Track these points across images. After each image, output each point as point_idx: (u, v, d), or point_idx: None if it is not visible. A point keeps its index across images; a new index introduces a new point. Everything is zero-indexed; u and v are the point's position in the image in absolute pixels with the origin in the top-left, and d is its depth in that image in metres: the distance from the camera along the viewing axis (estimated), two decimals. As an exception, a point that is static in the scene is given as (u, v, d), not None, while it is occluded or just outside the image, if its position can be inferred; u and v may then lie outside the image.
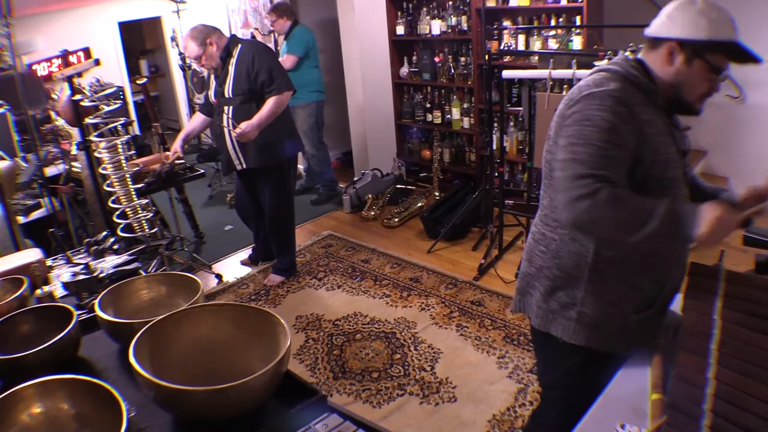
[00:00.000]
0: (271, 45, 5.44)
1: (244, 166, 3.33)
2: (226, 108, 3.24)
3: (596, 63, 2.84)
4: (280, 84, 3.18)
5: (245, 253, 4.09)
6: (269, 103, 3.17)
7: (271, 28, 4.81)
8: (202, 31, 3.22)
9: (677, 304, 1.50)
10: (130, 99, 6.54)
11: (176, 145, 3.56)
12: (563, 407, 1.58)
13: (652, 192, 1.33)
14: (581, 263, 1.42)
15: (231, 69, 3.22)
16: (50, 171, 3.74)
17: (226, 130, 3.24)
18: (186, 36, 3.25)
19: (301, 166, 5.42)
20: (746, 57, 1.32)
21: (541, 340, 1.57)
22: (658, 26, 1.36)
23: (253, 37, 5.19)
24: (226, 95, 3.24)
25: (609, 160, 1.25)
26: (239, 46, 3.24)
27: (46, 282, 1.87)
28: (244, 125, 3.14)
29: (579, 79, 2.86)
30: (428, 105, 4.96)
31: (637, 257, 1.38)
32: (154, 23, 7.16)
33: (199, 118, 3.59)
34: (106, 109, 2.90)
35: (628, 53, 1.48)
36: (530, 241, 1.57)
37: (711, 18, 1.29)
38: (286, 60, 4.57)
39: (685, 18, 1.31)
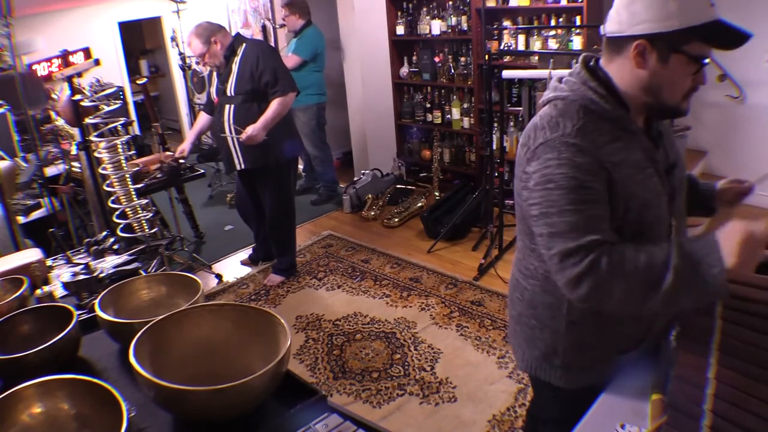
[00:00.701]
0: (271, 40, 5.45)
1: (243, 166, 3.33)
2: (227, 106, 3.24)
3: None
4: (284, 85, 3.17)
5: (245, 253, 4.09)
6: (274, 105, 3.17)
7: (283, 22, 4.78)
8: (207, 28, 3.21)
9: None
10: (130, 99, 6.55)
11: (185, 144, 3.57)
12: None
13: (631, 236, 1.19)
14: (556, 314, 1.32)
15: (234, 68, 3.21)
16: (50, 171, 3.75)
17: (228, 132, 3.24)
18: (191, 33, 3.24)
19: (300, 166, 5.43)
20: (732, 36, 1.09)
21: (536, 383, 1.50)
22: (618, 24, 1.14)
23: (264, 28, 5.18)
24: (228, 94, 3.23)
25: (589, 221, 1.10)
26: (244, 45, 3.23)
27: (46, 282, 1.87)
28: (249, 129, 3.14)
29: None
30: (428, 105, 4.96)
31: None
32: (154, 23, 7.16)
33: (203, 117, 3.59)
34: (106, 109, 2.90)
35: (580, 67, 1.21)
36: (510, 285, 1.47)
37: (681, 2, 1.06)
38: (290, 60, 4.56)
39: (649, 8, 1.08)
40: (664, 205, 1.23)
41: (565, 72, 1.36)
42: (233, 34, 3.34)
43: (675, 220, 1.28)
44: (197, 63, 6.46)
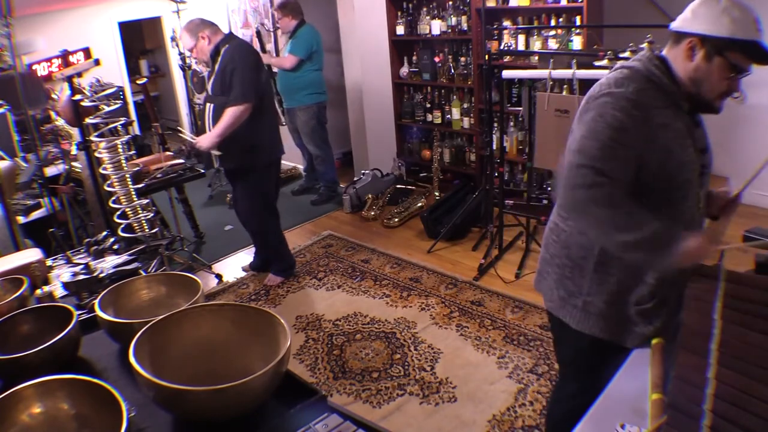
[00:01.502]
0: (271, 42, 5.45)
1: (217, 164, 3.39)
2: (208, 105, 3.26)
3: (596, 63, 2.84)
4: (237, 95, 3.09)
5: (245, 253, 4.10)
6: (225, 115, 3.11)
7: (278, 25, 4.79)
8: (197, 24, 3.22)
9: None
10: (130, 99, 6.54)
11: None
12: (575, 387, 1.66)
13: (660, 193, 1.38)
14: (588, 255, 1.48)
15: (216, 68, 3.21)
16: (50, 171, 3.75)
17: (208, 126, 3.27)
18: (183, 27, 3.27)
19: (300, 166, 5.43)
20: (765, 56, 1.31)
21: (554, 321, 1.65)
22: (682, 21, 1.37)
23: (259, 33, 5.18)
24: (210, 93, 3.26)
25: (613, 157, 1.29)
26: (227, 45, 3.20)
27: (46, 282, 1.87)
28: (200, 138, 3.21)
29: (579, 80, 2.89)
30: (428, 105, 4.96)
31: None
32: (154, 23, 7.16)
33: None
34: (106, 109, 2.90)
35: (647, 50, 1.45)
36: (546, 229, 1.64)
37: (734, 16, 1.29)
38: (287, 60, 4.56)
39: (708, 14, 1.31)
40: (696, 174, 1.42)
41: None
42: (227, 32, 3.32)
43: (702, 191, 1.49)
44: (196, 63, 6.47)
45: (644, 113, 1.31)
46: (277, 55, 5.29)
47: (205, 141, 3.18)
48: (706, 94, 1.37)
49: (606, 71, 2.74)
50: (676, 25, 1.39)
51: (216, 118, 3.19)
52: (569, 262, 1.53)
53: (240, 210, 3.54)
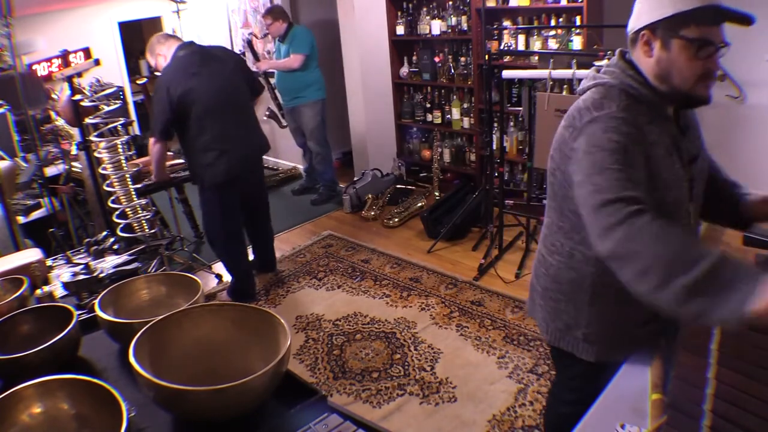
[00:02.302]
0: (269, 47, 5.45)
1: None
2: None
3: (596, 63, 2.84)
4: (152, 129, 3.09)
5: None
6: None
7: (266, 32, 4.82)
8: (153, 43, 3.18)
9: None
10: (130, 99, 6.54)
11: None
12: (577, 396, 1.58)
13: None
14: (579, 290, 1.40)
15: None
16: (50, 171, 3.75)
17: None
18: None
19: (300, 166, 5.43)
20: (730, 16, 1.17)
21: (554, 351, 1.59)
22: (632, 21, 1.28)
23: (250, 43, 5.20)
24: None
25: (629, 179, 1.14)
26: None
27: (46, 282, 1.87)
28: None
29: (579, 79, 2.89)
30: (428, 105, 4.96)
31: None
32: (154, 23, 7.15)
33: None
34: (106, 109, 2.91)
35: (617, 59, 1.33)
36: (535, 260, 1.57)
37: None
38: (294, 60, 4.57)
39: (649, 2, 1.22)
40: (684, 190, 1.31)
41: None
42: (181, 43, 3.16)
43: (693, 206, 1.36)
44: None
45: (637, 129, 1.21)
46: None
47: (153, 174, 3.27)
48: (681, 85, 1.23)
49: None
50: (629, 27, 1.29)
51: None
52: (562, 296, 1.45)
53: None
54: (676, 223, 1.29)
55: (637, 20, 1.25)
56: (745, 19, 1.17)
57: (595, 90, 1.30)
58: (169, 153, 3.64)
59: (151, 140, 3.14)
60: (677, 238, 1.07)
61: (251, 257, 3.85)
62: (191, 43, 3.20)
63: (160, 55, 3.14)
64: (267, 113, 5.11)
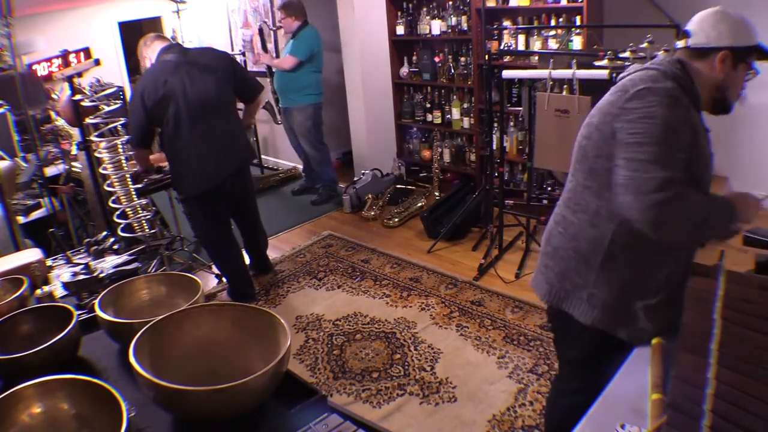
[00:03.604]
0: (271, 42, 5.45)
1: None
2: None
3: (596, 63, 2.84)
4: (131, 139, 3.06)
5: (244, 253, 4.09)
6: None
7: (280, 24, 4.79)
8: (143, 43, 3.14)
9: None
10: (130, 99, 6.54)
11: None
12: (580, 384, 1.66)
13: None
14: (597, 248, 1.49)
15: None
16: (50, 171, 3.75)
17: None
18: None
19: (300, 166, 5.43)
20: (766, 56, 1.49)
21: (556, 319, 1.66)
22: (706, 38, 1.46)
23: (261, 31, 5.18)
24: None
25: (675, 160, 1.32)
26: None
27: (46, 282, 1.87)
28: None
29: (579, 80, 2.89)
30: (428, 105, 4.96)
31: (650, 244, 1.42)
32: (154, 23, 7.15)
33: None
34: (106, 109, 2.91)
35: (668, 57, 1.52)
36: (550, 223, 1.65)
37: (747, 26, 1.47)
38: (286, 61, 4.56)
39: (730, 29, 1.44)
40: (710, 173, 1.50)
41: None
42: (164, 46, 3.10)
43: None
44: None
45: (685, 110, 1.37)
46: (278, 54, 5.29)
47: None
48: (731, 96, 1.50)
49: (605, 71, 2.77)
50: (699, 42, 1.47)
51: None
52: (575, 254, 1.54)
53: None
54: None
55: (717, 39, 1.44)
56: None
57: (646, 71, 1.44)
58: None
59: (133, 151, 3.10)
60: (697, 201, 1.33)
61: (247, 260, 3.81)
62: (176, 46, 3.12)
63: (146, 58, 3.10)
64: (264, 105, 5.11)
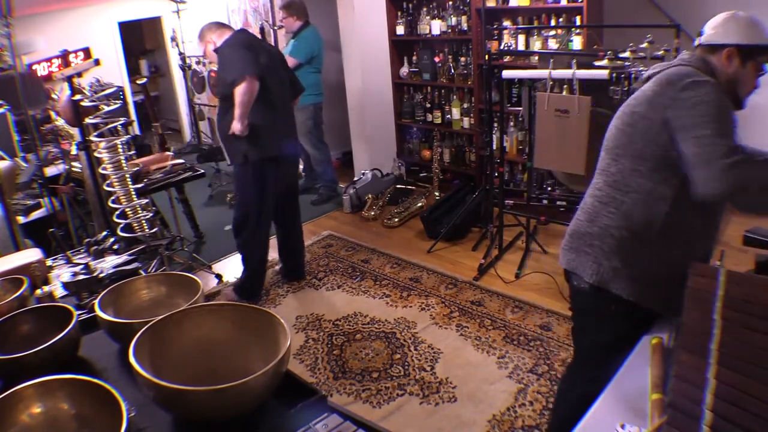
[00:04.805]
0: (271, 41, 5.45)
1: (229, 162, 3.29)
2: (218, 106, 3.22)
3: (596, 63, 2.84)
4: (234, 74, 2.95)
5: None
6: (235, 96, 2.97)
7: (281, 24, 4.79)
8: (205, 30, 3.19)
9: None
10: (130, 99, 6.55)
11: None
12: (600, 371, 1.62)
13: None
14: (650, 226, 1.55)
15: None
16: (50, 171, 3.74)
17: (216, 127, 3.22)
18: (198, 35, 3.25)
19: (300, 166, 5.42)
20: None
21: (593, 300, 1.68)
22: (714, 36, 1.59)
23: (262, 30, 5.17)
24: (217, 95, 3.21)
25: (734, 133, 1.44)
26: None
27: (46, 282, 1.87)
28: (233, 125, 3.03)
29: (579, 80, 2.89)
30: (428, 105, 4.96)
31: (698, 223, 1.55)
32: (154, 23, 7.16)
33: None
34: (106, 109, 2.90)
35: (689, 52, 1.66)
36: (594, 203, 1.69)
37: (758, 27, 1.56)
38: (286, 61, 4.56)
39: (738, 28, 1.56)
40: None
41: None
42: (234, 30, 3.21)
43: None
44: (197, 63, 6.47)
45: (726, 99, 1.48)
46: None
47: (234, 127, 3.01)
48: (742, 93, 1.60)
49: (605, 71, 2.76)
50: (708, 39, 1.60)
51: (219, 118, 3.14)
52: (628, 233, 1.58)
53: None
54: None
55: (724, 36, 1.56)
56: None
57: (681, 67, 1.55)
58: (169, 153, 3.64)
59: (237, 88, 2.93)
60: (761, 165, 1.45)
61: (279, 265, 3.77)
62: (246, 31, 3.28)
63: (210, 42, 3.15)
64: None
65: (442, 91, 4.88)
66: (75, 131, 3.69)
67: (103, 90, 3.15)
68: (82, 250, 2.11)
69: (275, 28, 5.33)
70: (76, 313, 1.31)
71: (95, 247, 2.04)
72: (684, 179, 1.49)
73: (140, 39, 8.33)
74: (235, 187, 3.36)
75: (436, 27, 4.62)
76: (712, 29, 1.61)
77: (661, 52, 2.67)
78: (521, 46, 4.13)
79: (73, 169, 3.69)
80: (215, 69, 3.40)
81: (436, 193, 4.73)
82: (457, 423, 2.38)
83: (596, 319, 1.73)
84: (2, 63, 4.47)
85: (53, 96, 4.55)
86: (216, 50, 3.15)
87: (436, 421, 2.41)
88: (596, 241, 1.65)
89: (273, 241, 4.22)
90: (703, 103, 1.44)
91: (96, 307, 1.34)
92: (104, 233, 2.19)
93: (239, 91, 2.96)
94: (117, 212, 2.92)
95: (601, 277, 1.62)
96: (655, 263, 1.57)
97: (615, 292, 1.60)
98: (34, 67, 5.24)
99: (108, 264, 1.85)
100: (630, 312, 1.60)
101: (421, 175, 5.22)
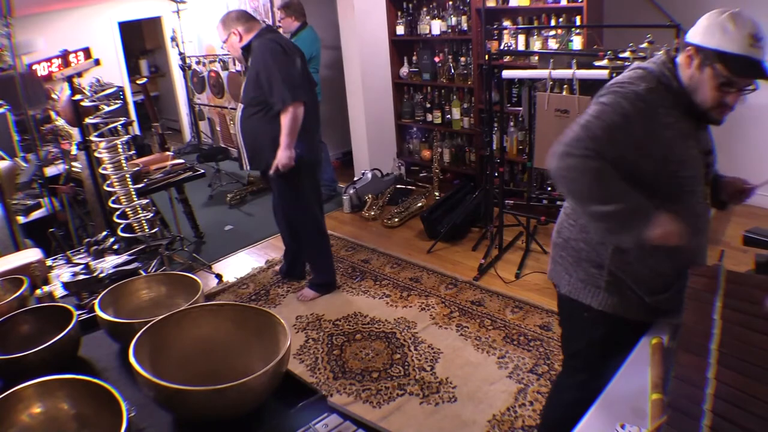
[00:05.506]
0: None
1: (248, 167, 3.18)
2: (240, 106, 3.10)
3: (596, 63, 2.84)
4: (284, 98, 2.87)
5: (245, 253, 4.10)
6: (283, 124, 2.91)
7: (279, 24, 4.80)
8: (232, 18, 3.04)
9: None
10: (130, 99, 6.55)
11: None
12: (584, 377, 1.67)
13: (668, 188, 1.44)
14: (606, 241, 1.52)
15: (249, 68, 3.00)
16: (50, 171, 3.75)
17: (238, 129, 3.11)
18: (220, 18, 3.12)
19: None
20: (758, 74, 1.35)
21: (568, 309, 1.68)
22: (690, 31, 1.45)
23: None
24: (242, 93, 3.06)
25: (612, 140, 1.37)
26: (256, 42, 2.96)
27: (46, 282, 1.87)
28: (277, 158, 2.96)
29: (579, 80, 2.89)
30: (428, 105, 4.96)
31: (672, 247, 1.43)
32: (154, 23, 7.17)
33: None
34: (106, 109, 2.90)
35: (663, 54, 1.52)
36: (561, 215, 1.70)
37: (726, 30, 1.35)
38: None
39: (705, 26, 1.39)
40: (701, 171, 1.49)
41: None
42: (263, 26, 3.08)
43: (707, 188, 1.55)
44: (197, 63, 6.47)
45: (650, 109, 1.39)
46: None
47: (281, 159, 2.95)
48: (701, 103, 1.43)
49: (605, 71, 2.77)
50: (687, 35, 1.48)
51: (244, 120, 3.04)
52: (587, 246, 1.57)
53: (286, 219, 3.37)
54: (693, 201, 1.49)
55: (692, 34, 1.42)
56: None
57: (635, 71, 1.48)
58: (169, 153, 3.64)
59: (286, 114, 2.88)
60: (609, 183, 1.37)
61: (281, 265, 3.77)
62: (274, 30, 3.18)
63: (235, 34, 3.00)
64: None
65: (442, 91, 4.88)
66: (75, 131, 3.69)
67: (103, 90, 3.15)
68: (82, 250, 2.11)
69: (274, 28, 5.33)
70: (76, 313, 1.31)
71: (95, 247, 2.04)
72: (652, 198, 1.42)
73: (140, 39, 8.34)
74: (278, 192, 3.25)
75: (436, 27, 4.62)
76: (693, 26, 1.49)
77: (660, 52, 2.67)
78: (521, 46, 4.13)
79: (73, 169, 3.70)
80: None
81: (436, 193, 4.73)
82: (457, 423, 2.38)
83: (572, 327, 1.75)
84: (2, 63, 4.47)
85: (53, 96, 4.55)
86: (246, 47, 3.01)
87: (436, 421, 2.40)
88: (563, 252, 1.65)
89: (273, 241, 4.24)
90: (606, 104, 1.40)
91: (96, 307, 1.34)
92: (104, 233, 2.19)
93: (288, 117, 2.88)
94: (117, 212, 2.92)
95: (572, 287, 1.63)
96: (613, 277, 1.54)
97: (584, 302, 1.60)
98: (34, 67, 5.24)
99: (108, 264, 1.85)
100: (603, 319, 1.58)
101: (421, 175, 5.22)
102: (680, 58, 1.45)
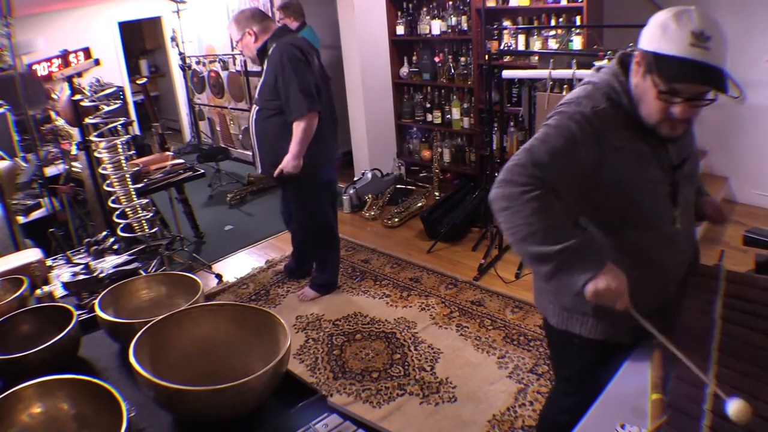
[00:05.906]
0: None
1: (260, 170, 3.15)
2: (254, 107, 3.06)
3: (596, 63, 2.84)
4: (300, 107, 2.83)
5: (245, 253, 4.10)
6: (294, 132, 2.88)
7: (279, 25, 4.80)
8: (247, 17, 2.96)
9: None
10: (130, 99, 6.55)
11: None
12: (577, 400, 1.58)
13: (625, 215, 1.33)
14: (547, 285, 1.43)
15: (264, 70, 2.94)
16: (50, 171, 3.75)
17: (251, 129, 3.08)
18: (233, 15, 3.07)
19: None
20: (695, 78, 1.14)
21: (556, 338, 1.59)
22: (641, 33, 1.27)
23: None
24: (257, 96, 3.01)
25: (557, 166, 1.24)
26: (274, 44, 2.91)
27: (46, 282, 1.87)
28: (283, 162, 2.94)
29: (579, 79, 2.89)
30: (428, 105, 4.96)
31: (641, 272, 1.32)
32: (154, 23, 7.17)
33: None
34: (106, 109, 2.91)
35: (615, 62, 1.35)
36: None
37: (666, 28, 1.15)
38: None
39: (649, 26, 1.21)
40: (663, 195, 1.33)
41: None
42: (278, 26, 3.05)
43: (679, 210, 1.37)
44: (197, 63, 6.47)
45: (597, 133, 1.25)
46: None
47: (287, 165, 2.93)
48: (644, 114, 1.26)
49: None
50: None
51: (258, 123, 3.01)
52: None
53: (295, 221, 3.36)
54: (659, 227, 1.35)
55: (641, 36, 1.23)
56: (722, 89, 1.14)
57: (583, 87, 1.34)
58: (169, 153, 3.64)
59: (299, 123, 2.85)
60: (550, 220, 1.21)
61: (288, 262, 3.77)
62: (289, 30, 3.13)
63: (251, 34, 2.94)
64: None
65: (442, 91, 4.88)
66: (75, 131, 3.69)
67: (103, 90, 3.15)
68: (82, 250, 2.11)
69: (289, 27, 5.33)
70: (76, 313, 1.31)
71: (95, 247, 2.04)
72: (611, 223, 1.33)
73: (140, 39, 8.34)
74: (290, 195, 3.23)
75: (436, 27, 4.62)
76: None
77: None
78: (521, 46, 4.13)
79: (73, 169, 3.70)
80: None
81: (436, 193, 4.73)
82: (457, 423, 2.38)
83: (564, 354, 1.66)
84: (2, 63, 4.47)
85: (53, 96, 4.55)
86: (261, 49, 2.97)
87: (436, 421, 2.41)
88: (542, 282, 1.55)
89: (275, 241, 4.24)
90: (552, 125, 1.28)
91: (96, 307, 1.34)
92: (104, 233, 2.19)
93: (301, 127, 2.86)
94: (117, 212, 2.93)
95: (559, 318, 1.53)
96: (598, 307, 1.37)
97: (574, 331, 1.50)
98: (34, 67, 5.24)
99: (108, 264, 1.85)
100: (594, 345, 1.49)
101: (421, 175, 5.23)
102: (633, 66, 1.27)
